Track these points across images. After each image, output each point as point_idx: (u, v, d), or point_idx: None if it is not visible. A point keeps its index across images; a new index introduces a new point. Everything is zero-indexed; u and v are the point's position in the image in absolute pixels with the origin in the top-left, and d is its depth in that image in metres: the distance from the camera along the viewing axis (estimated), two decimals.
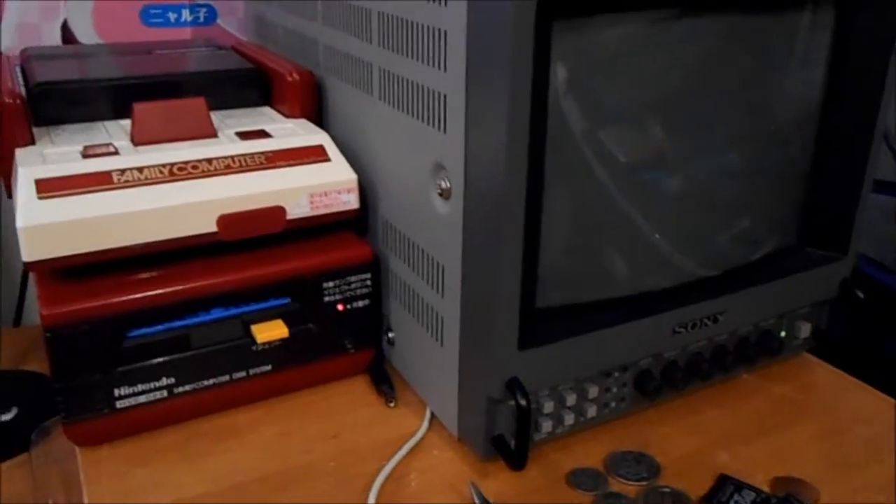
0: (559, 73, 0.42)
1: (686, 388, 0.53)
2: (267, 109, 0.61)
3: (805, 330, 0.57)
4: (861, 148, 0.53)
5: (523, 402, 0.44)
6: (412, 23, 0.45)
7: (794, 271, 0.54)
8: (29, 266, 0.46)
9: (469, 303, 0.45)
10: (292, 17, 0.63)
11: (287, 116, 0.59)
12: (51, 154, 0.50)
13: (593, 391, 0.49)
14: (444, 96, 0.44)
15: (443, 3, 0.42)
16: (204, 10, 0.80)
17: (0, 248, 0.76)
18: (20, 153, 0.50)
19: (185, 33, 0.80)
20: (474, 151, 0.42)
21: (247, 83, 0.61)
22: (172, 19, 0.79)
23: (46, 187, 0.46)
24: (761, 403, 0.55)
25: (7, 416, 0.56)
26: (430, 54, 0.44)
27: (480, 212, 0.43)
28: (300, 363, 0.53)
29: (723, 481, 0.47)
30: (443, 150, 0.45)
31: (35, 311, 0.79)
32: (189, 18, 0.80)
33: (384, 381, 0.55)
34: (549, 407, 0.48)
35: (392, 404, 0.54)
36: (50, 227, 0.45)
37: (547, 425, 0.48)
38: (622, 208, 0.47)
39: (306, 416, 0.53)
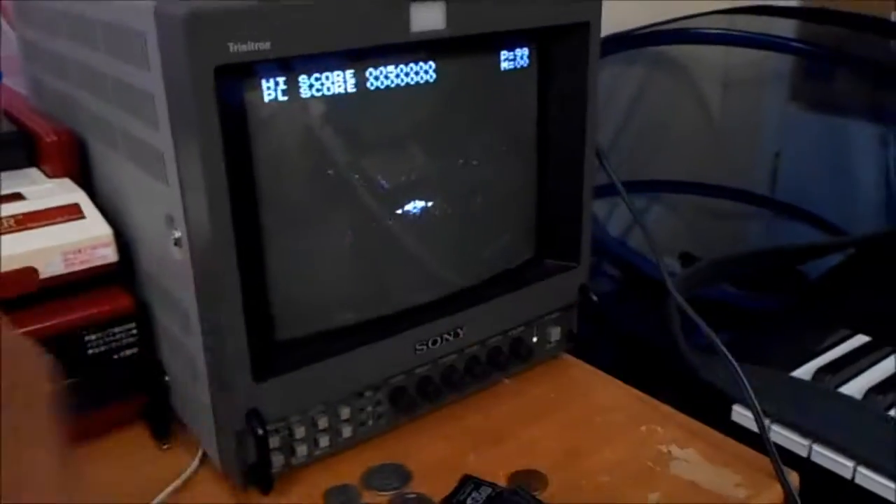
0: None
1: (443, 399, 0.58)
2: (32, 171, 0.62)
3: (556, 334, 0.63)
4: (576, 165, 0.59)
5: (259, 432, 0.47)
6: (131, 86, 0.48)
7: (532, 281, 0.60)
8: None
9: (207, 341, 0.48)
10: (55, 78, 0.65)
11: (49, 177, 0.61)
12: None
13: (345, 412, 0.53)
14: (162, 153, 0.47)
15: (147, 68, 0.45)
16: None
17: None
18: None
19: None
20: (188, 203, 0.45)
21: (11, 146, 0.62)
22: None
23: None
24: (517, 405, 0.60)
25: None
26: (148, 115, 0.47)
27: (203, 257, 0.46)
28: (71, 417, 0.55)
29: (464, 481, 0.51)
30: (169, 202, 0.48)
31: None
32: None
33: (159, 425, 0.57)
34: (301, 432, 0.51)
35: (165, 446, 0.56)
36: None
37: (302, 449, 0.52)
38: (347, 239, 0.51)
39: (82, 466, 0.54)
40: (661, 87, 1.36)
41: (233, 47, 0.41)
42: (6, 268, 0.52)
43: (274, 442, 0.50)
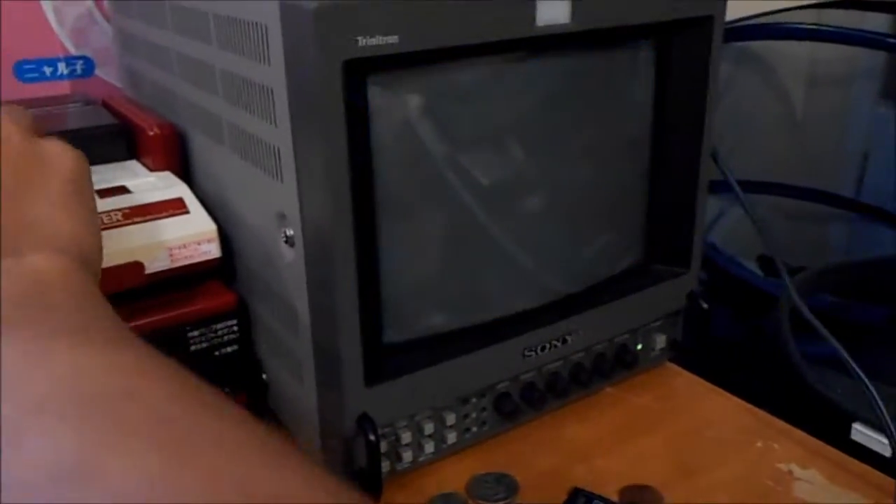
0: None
1: (546, 407, 0.56)
2: (133, 163, 0.62)
3: (661, 341, 0.61)
4: (691, 167, 0.56)
5: (372, 438, 0.45)
6: (247, 80, 0.47)
7: (640, 288, 0.57)
8: None
9: (318, 343, 0.47)
10: (155, 69, 0.65)
11: (151, 170, 0.60)
12: None
13: (451, 418, 0.51)
14: (278, 149, 0.46)
15: (267, 62, 0.44)
16: (81, 62, 0.81)
17: None
18: None
19: (64, 87, 0.80)
20: (306, 200, 0.44)
21: (112, 139, 0.62)
22: (48, 73, 0.80)
23: None
24: (621, 415, 0.58)
25: None
26: (263, 109, 0.46)
27: (318, 256, 0.45)
28: None
29: (575, 494, 0.50)
30: (283, 199, 0.47)
31: None
32: (66, 71, 0.80)
33: None
34: (407, 437, 0.50)
35: None
36: None
37: (408, 455, 0.50)
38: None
39: None
40: (744, 83, 1.31)
41: (361, 41, 0.40)
42: (114, 262, 0.52)
43: (382, 447, 0.49)
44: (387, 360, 0.47)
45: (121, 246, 0.52)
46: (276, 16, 0.42)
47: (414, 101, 0.45)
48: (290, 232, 0.47)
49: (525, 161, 0.51)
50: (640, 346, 0.60)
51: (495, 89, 0.48)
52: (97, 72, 0.82)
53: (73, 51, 0.80)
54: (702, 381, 0.62)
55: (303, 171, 0.44)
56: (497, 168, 0.50)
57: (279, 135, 0.45)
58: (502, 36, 0.45)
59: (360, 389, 0.46)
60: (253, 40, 0.45)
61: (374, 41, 0.40)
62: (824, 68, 1.34)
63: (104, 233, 0.52)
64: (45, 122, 0.64)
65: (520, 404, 0.54)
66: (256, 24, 0.44)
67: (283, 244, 0.48)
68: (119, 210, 0.54)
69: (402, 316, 0.48)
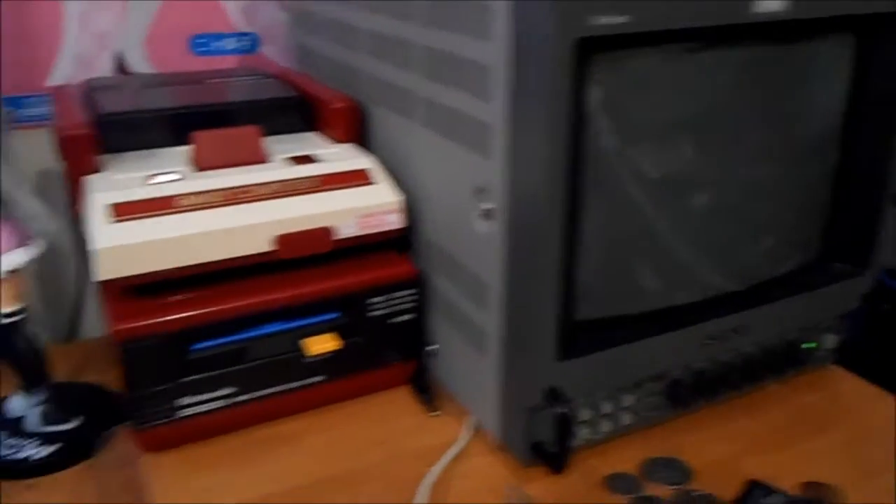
0: (594, 95, 0.45)
1: (716, 397, 0.56)
2: (312, 135, 0.65)
3: (831, 341, 0.59)
4: (882, 164, 0.55)
5: (564, 411, 0.46)
6: (456, 56, 0.49)
7: (817, 286, 0.56)
8: (101, 284, 0.49)
9: (510, 316, 0.48)
10: (336, 47, 0.67)
11: (333, 142, 0.63)
12: (118, 180, 0.54)
13: (628, 400, 0.52)
14: (487, 125, 0.47)
15: (485, 39, 0.45)
16: (248, 38, 0.84)
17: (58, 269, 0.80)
18: (90, 180, 0.54)
19: (231, 62, 0.84)
20: (515, 176, 0.45)
21: (293, 110, 0.65)
22: (219, 48, 0.83)
23: (118, 212, 0.50)
24: (789, 412, 0.57)
25: (71, 425, 0.60)
26: (474, 86, 0.47)
27: (521, 231, 0.46)
28: (347, 374, 0.57)
29: (753, 486, 0.49)
30: (485, 174, 0.48)
31: (87, 326, 0.82)
32: (234, 47, 0.84)
33: (426, 392, 0.58)
34: (585, 415, 0.51)
35: (435, 413, 0.57)
36: (121, 248, 0.49)
37: (584, 432, 0.51)
38: (654, 224, 0.50)
39: (354, 424, 0.56)
40: None
41: (595, 20, 0.40)
42: (305, 227, 0.54)
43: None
44: (579, 336, 0.48)
45: (312, 211, 0.54)
46: None
47: (629, 81, 0.46)
48: (488, 206, 0.49)
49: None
50: (809, 345, 0.59)
51: (702, 75, 0.48)
52: (261, 49, 0.85)
53: (242, 28, 0.84)
54: (868, 383, 0.61)
55: (514, 148, 0.45)
56: (705, 148, 0.50)
57: (490, 111, 0.46)
58: (719, 21, 0.45)
59: (552, 363, 0.47)
60: (470, 17, 0.46)
61: (605, 20, 0.41)
62: None
63: (295, 198, 0.55)
64: (229, 92, 0.67)
65: (692, 392, 0.54)
66: (478, 2, 0.45)
67: (479, 218, 0.50)
68: (310, 177, 0.56)
69: (595, 294, 0.49)
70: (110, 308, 0.50)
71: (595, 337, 0.49)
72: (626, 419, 0.52)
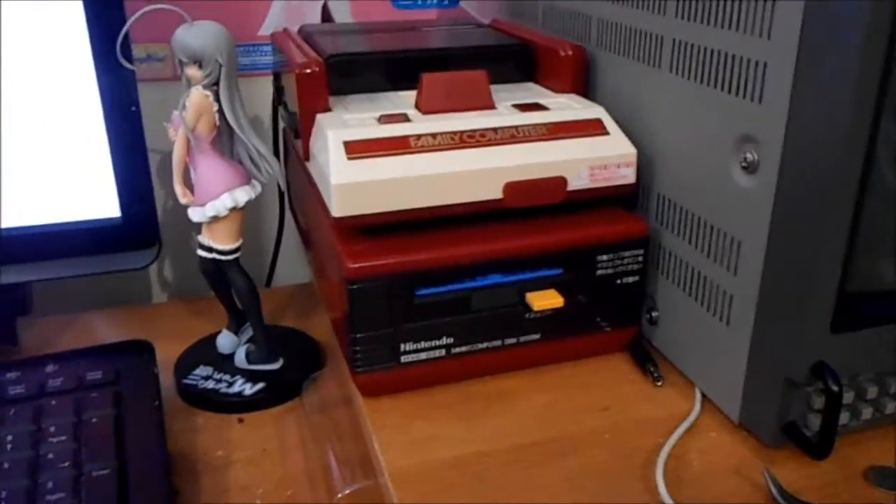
0: None
1: None
2: (532, 85, 0.62)
3: None
4: None
5: (835, 388, 0.41)
6: None
7: None
8: (336, 221, 0.49)
9: (773, 281, 0.43)
10: None
11: (556, 91, 0.59)
12: (350, 120, 0.53)
13: (894, 385, 0.46)
14: (764, 64, 0.42)
15: None
16: None
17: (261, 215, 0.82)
18: (323, 118, 0.53)
19: (431, 14, 0.82)
20: (799, 124, 0.40)
21: (516, 58, 0.62)
22: (418, 2, 0.82)
23: (354, 149, 0.49)
24: None
25: (276, 365, 0.61)
26: (749, 22, 0.43)
27: (800, 187, 0.41)
28: (567, 334, 0.54)
29: None
30: (754, 121, 0.43)
31: (284, 273, 0.84)
32: (435, 1, 0.82)
33: (648, 360, 0.54)
34: (847, 398, 0.45)
35: (659, 383, 0.53)
36: (357, 185, 0.48)
37: (843, 417, 0.46)
38: None
39: (572, 387, 0.53)
40: None
41: None
42: (538, 175, 0.51)
43: (818, 402, 0.44)
44: (852, 308, 0.43)
45: (546, 159, 0.51)
46: None
47: None
48: (751, 157, 0.44)
49: None
50: None
51: None
52: (461, 3, 0.84)
53: None
54: None
55: (802, 92, 0.40)
56: None
57: (771, 49, 0.41)
58: None
59: (824, 335, 0.42)
60: None
61: None
62: None
63: (528, 145, 0.52)
64: (449, 38, 0.65)
65: None
66: None
67: (739, 170, 0.45)
68: (541, 124, 0.53)
69: (872, 264, 0.43)
70: (342, 247, 0.49)
71: (872, 310, 0.43)
72: (891, 407, 0.47)
